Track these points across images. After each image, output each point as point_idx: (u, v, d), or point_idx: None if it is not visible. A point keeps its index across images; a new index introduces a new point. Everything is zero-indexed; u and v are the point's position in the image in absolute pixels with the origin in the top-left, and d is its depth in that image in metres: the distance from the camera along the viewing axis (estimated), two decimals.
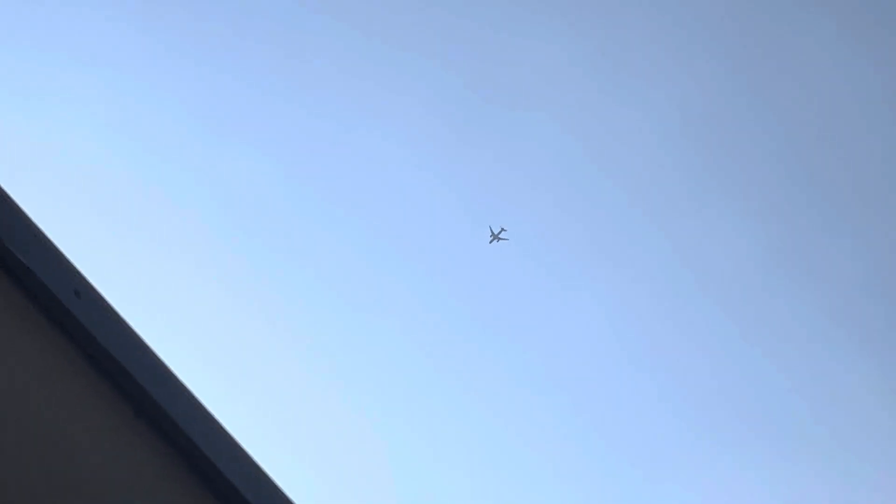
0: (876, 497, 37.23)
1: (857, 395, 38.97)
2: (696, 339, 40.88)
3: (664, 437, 39.69)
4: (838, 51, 39.22)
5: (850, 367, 39.50)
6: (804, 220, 40.78)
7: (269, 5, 40.06)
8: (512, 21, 40.47)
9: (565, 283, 40.77)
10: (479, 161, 40.68)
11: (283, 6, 40.13)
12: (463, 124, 40.50)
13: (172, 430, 2.30)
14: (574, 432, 40.27)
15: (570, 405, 41.12)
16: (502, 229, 38.79)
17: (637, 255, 41.90)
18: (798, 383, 40.51)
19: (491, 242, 39.00)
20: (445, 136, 40.90)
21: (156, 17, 39.08)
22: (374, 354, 41.15)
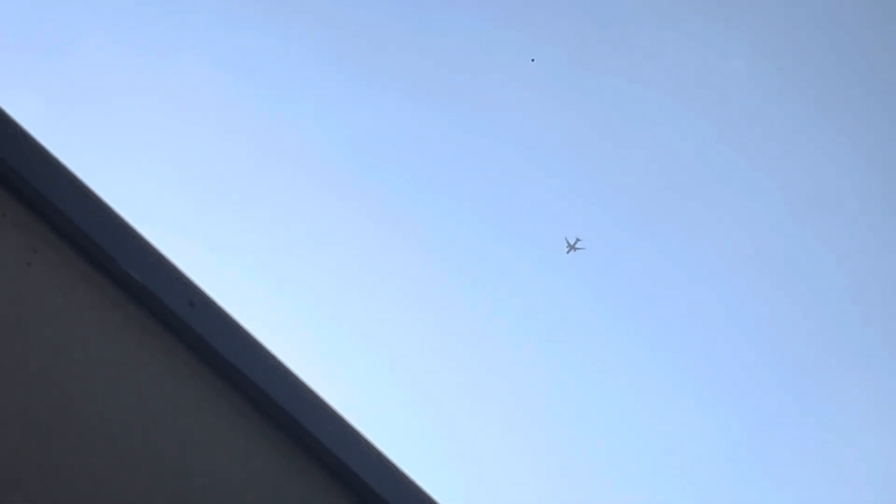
0: None
1: None
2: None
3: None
4: None
5: None
6: None
7: None
8: None
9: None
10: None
11: None
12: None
13: (293, 426, 2.40)
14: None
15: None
16: (577, 239, 39.25)
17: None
18: None
19: (568, 252, 39.49)
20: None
21: None
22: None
